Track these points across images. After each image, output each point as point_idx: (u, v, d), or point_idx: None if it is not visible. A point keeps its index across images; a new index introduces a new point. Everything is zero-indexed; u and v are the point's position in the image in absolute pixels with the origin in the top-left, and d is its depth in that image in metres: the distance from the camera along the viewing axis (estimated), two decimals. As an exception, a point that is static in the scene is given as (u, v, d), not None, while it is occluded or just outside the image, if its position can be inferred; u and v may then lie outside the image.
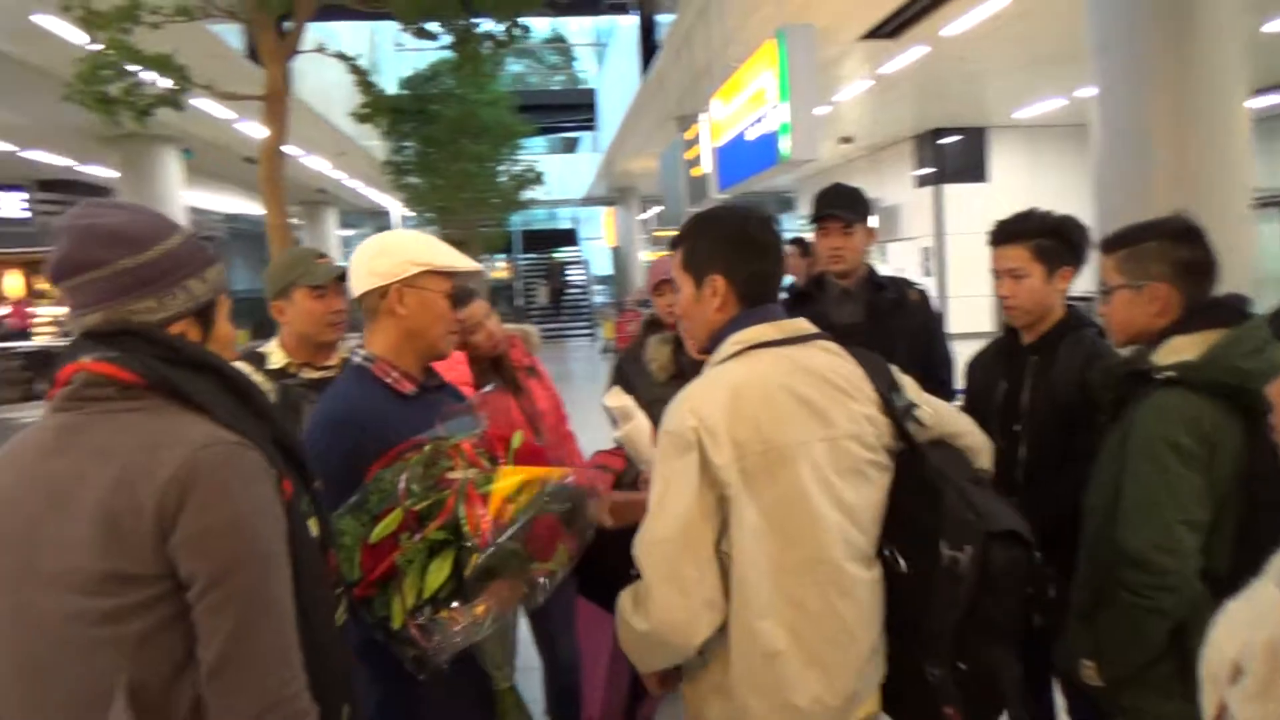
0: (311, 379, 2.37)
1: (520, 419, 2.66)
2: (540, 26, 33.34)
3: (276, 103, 5.60)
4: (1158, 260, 1.92)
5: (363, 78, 6.14)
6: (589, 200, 30.01)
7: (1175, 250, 1.91)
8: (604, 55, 25.58)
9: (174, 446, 1.15)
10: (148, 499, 1.11)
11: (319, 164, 18.37)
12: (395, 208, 23.27)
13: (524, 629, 2.84)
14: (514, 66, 35.19)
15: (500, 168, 16.58)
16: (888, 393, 1.65)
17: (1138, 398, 1.86)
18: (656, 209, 24.62)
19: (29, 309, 19.19)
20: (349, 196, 24.39)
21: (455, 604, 1.55)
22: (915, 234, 17.92)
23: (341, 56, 6.13)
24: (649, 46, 14.72)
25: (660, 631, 1.49)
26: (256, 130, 5.70)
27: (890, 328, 2.89)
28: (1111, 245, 1.99)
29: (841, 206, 2.98)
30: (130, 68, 4.91)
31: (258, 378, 2.35)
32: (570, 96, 31.08)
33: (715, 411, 1.50)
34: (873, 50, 10.91)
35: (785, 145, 6.71)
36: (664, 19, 13.78)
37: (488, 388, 2.09)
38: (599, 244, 30.45)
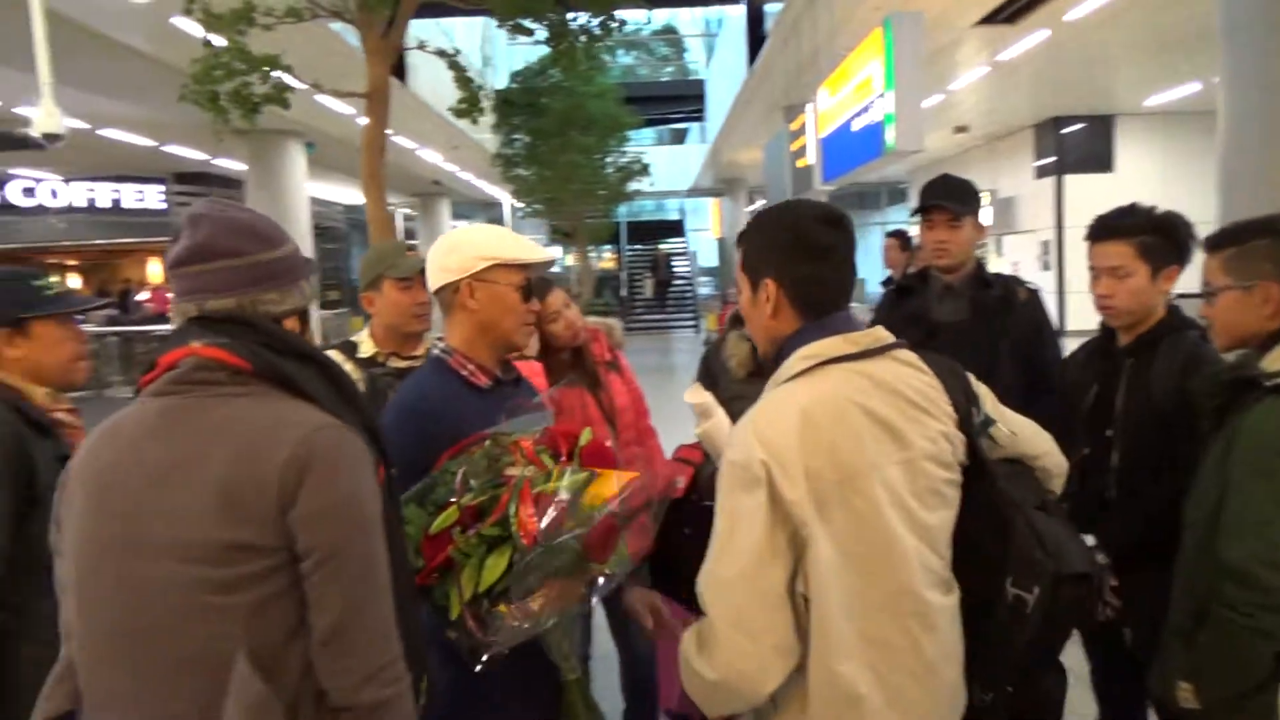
0: (398, 368, 2.45)
1: (596, 415, 2.67)
2: (651, 18, 33.46)
3: (379, 100, 5.76)
4: (1268, 259, 1.80)
5: (461, 74, 6.25)
6: (695, 191, 29.95)
7: None
8: (713, 46, 25.45)
9: (291, 428, 1.22)
10: (270, 474, 1.18)
11: (432, 156, 18.93)
12: (506, 199, 23.78)
13: (600, 616, 2.88)
14: (624, 58, 35.45)
15: (607, 159, 16.74)
16: (965, 407, 1.53)
17: (1244, 406, 1.75)
18: (763, 201, 24.40)
19: (168, 294, 20.40)
20: (462, 188, 25.02)
21: (512, 598, 1.57)
22: (1033, 227, 17.22)
23: (441, 53, 6.26)
24: (757, 37, 14.58)
25: (728, 680, 1.37)
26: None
27: (995, 327, 2.78)
28: (1218, 243, 1.88)
29: (948, 198, 2.85)
30: (239, 66, 5.16)
31: (348, 366, 2.45)
32: (679, 88, 31.13)
33: (785, 439, 1.37)
34: (990, 36, 10.52)
35: (890, 136, 6.55)
36: (772, 8, 13.61)
37: (561, 383, 2.11)
38: (705, 235, 30.38)
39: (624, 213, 26.39)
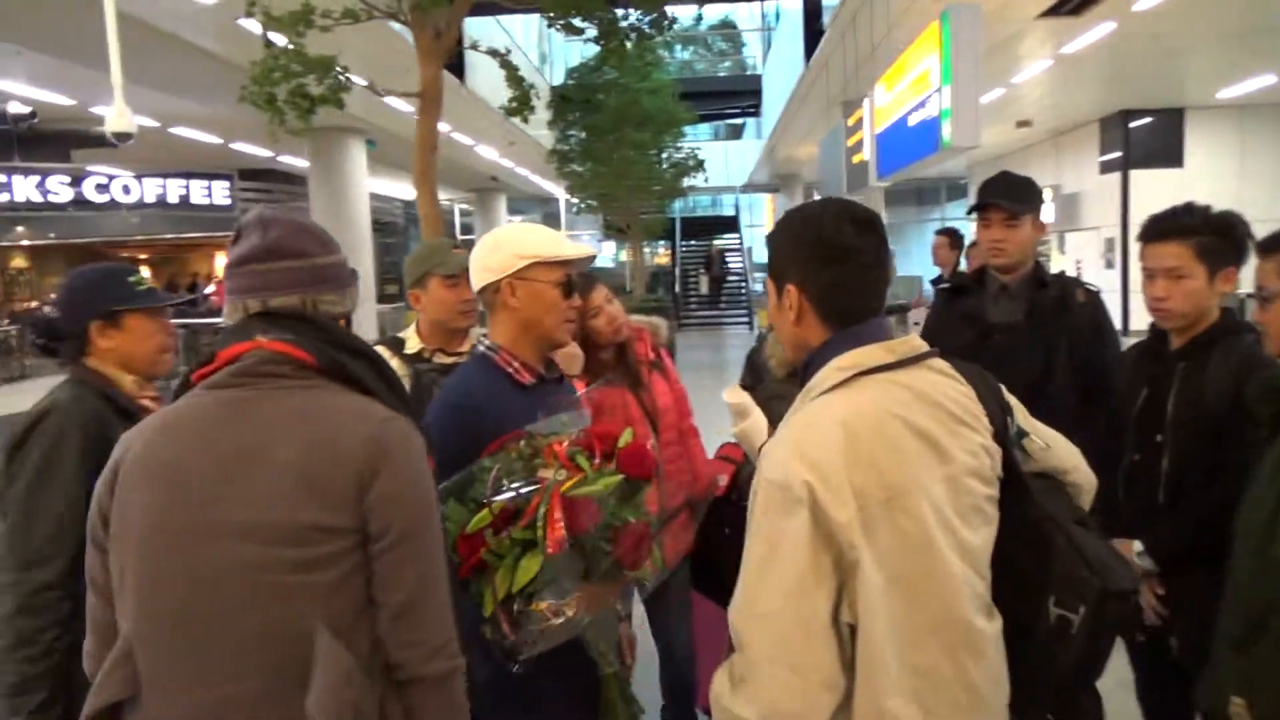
0: (444, 364, 2.50)
1: (637, 414, 2.66)
2: (703, 14, 33.35)
3: (431, 100, 5.81)
4: None
5: (512, 72, 6.30)
6: (750, 187, 29.77)
7: None
8: (770, 40, 25.25)
9: (362, 418, 1.31)
10: (349, 460, 1.26)
11: (489, 152, 19.12)
12: (561, 195, 23.93)
13: (641, 614, 2.88)
14: (681, 54, 35.36)
15: (662, 155, 16.73)
16: (1001, 418, 1.46)
17: (1301, 412, 1.70)
18: (817, 197, 24.12)
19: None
20: (519, 183, 25.24)
21: (545, 600, 1.59)
22: (1097, 223, 16.77)
23: (493, 53, 6.31)
24: (814, 31, 14.41)
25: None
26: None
27: (1051, 330, 2.72)
28: (1271, 247, 1.82)
29: (1005, 196, 2.78)
30: (296, 68, 5.27)
31: (395, 362, 2.51)
32: (736, 83, 30.91)
33: (829, 456, 1.28)
34: (1054, 28, 10.26)
35: (946, 131, 6.44)
36: (830, 2, 13.46)
37: (601, 382, 2.12)
38: (761, 231, 30.16)
39: (679, 208, 26.32)
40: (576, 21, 6.07)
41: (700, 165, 17.06)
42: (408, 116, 13.57)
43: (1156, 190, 14.80)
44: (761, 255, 29.96)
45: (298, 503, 1.23)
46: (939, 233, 6.87)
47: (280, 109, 5.43)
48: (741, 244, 29.08)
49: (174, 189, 18.60)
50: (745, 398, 2.10)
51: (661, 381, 2.85)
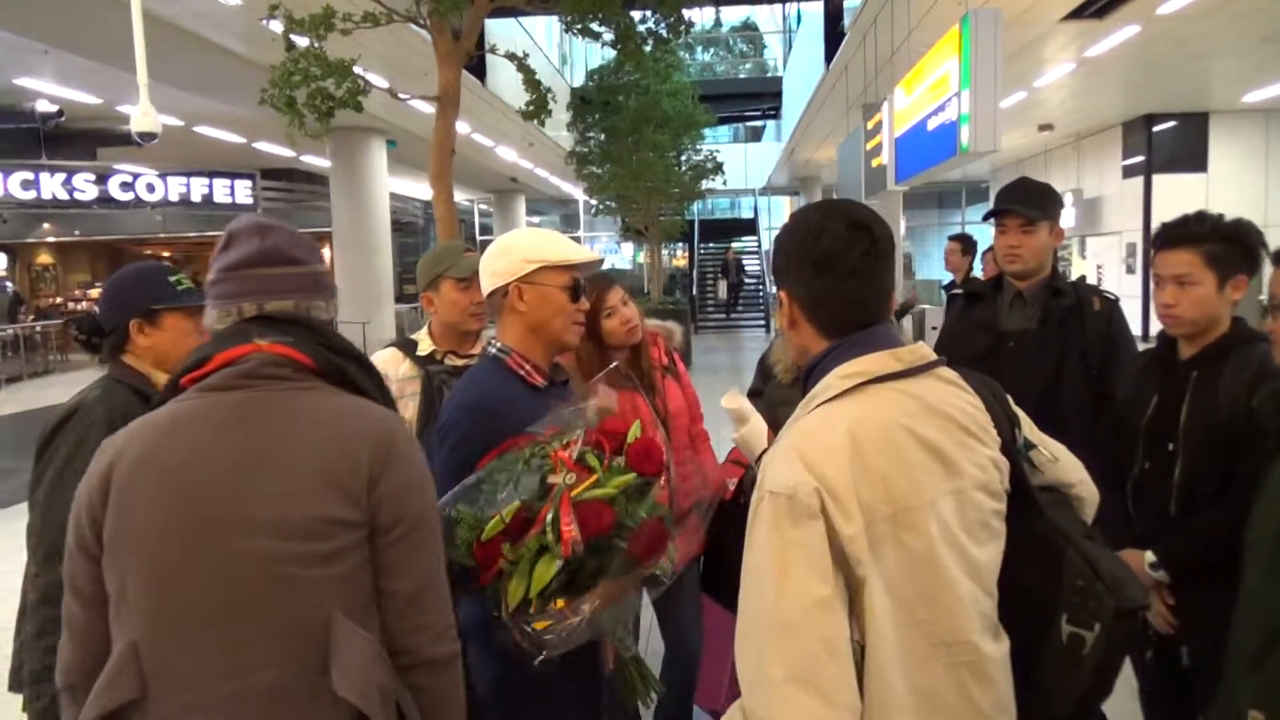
0: (455, 366, 2.52)
1: (648, 418, 2.65)
2: (721, 17, 33.32)
3: (448, 103, 5.82)
4: None
5: (529, 76, 6.31)
6: (769, 189, 29.71)
7: None
8: (791, 43, 25.20)
9: (368, 416, 1.36)
10: (361, 455, 1.30)
11: (509, 154, 19.18)
12: (580, 196, 23.98)
13: (649, 616, 2.89)
14: (702, 55, 35.35)
15: (681, 157, 16.71)
16: (1009, 430, 1.41)
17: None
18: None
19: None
20: (538, 185, 25.33)
21: (562, 600, 1.61)
22: (1119, 228, 16.63)
23: (511, 56, 6.33)
24: (835, 33, 14.38)
25: None
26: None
27: (1064, 337, 2.70)
28: None
29: (1022, 202, 2.76)
30: (315, 72, 5.31)
31: (406, 364, 2.53)
32: (757, 85, 30.85)
33: (836, 467, 1.21)
34: (1077, 31, 10.21)
35: (965, 136, 6.41)
36: (851, 4, 13.43)
37: (607, 370, 2.11)
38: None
39: (698, 210, 26.29)
40: (594, 26, 6.07)
41: (719, 167, 17.03)
42: (428, 117, 13.59)
43: (1179, 195, 14.69)
44: (780, 258, 29.86)
45: (317, 498, 1.26)
46: (951, 238, 6.85)
47: (300, 112, 5.48)
48: (759, 247, 29.03)
49: (197, 187, 18.80)
50: (743, 403, 2.10)
51: (674, 386, 2.84)
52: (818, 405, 1.32)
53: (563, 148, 17.27)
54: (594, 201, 17.85)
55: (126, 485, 1.27)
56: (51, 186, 17.34)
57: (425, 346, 2.58)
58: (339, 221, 15.68)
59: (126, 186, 18.18)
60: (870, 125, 10.87)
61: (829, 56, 14.07)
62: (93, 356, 2.16)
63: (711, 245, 28.75)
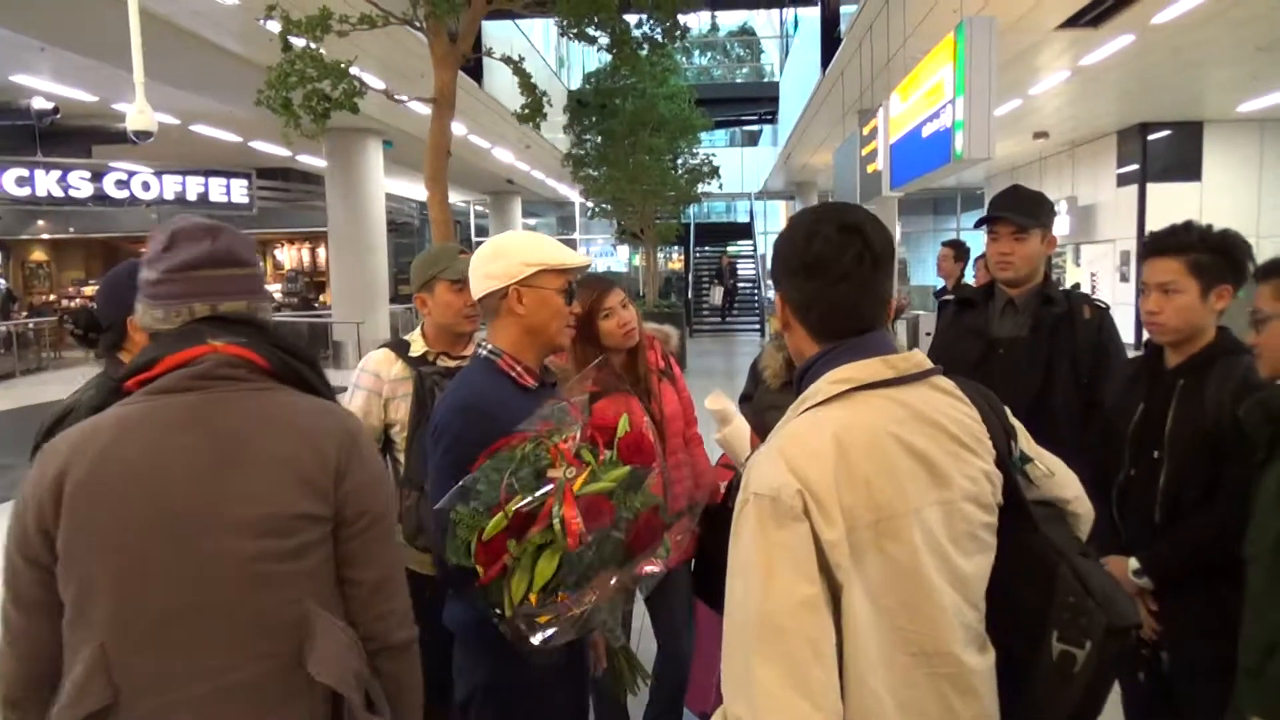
0: (447, 367, 2.53)
1: (642, 421, 2.66)
2: (717, 21, 33.36)
3: (444, 106, 5.82)
4: None
5: (525, 79, 6.31)
6: (765, 194, 29.73)
7: None
8: (788, 48, 25.25)
9: (324, 413, 1.40)
10: (328, 452, 1.34)
11: (505, 156, 19.18)
12: (576, 198, 23.98)
13: (641, 617, 2.90)
14: (699, 59, 35.41)
15: (677, 160, 16.73)
16: (1005, 442, 1.39)
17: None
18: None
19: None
20: (535, 187, 25.33)
21: (562, 594, 1.64)
22: (1113, 236, 16.70)
23: (506, 60, 6.33)
24: (832, 39, 14.42)
25: None
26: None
27: (1054, 345, 2.71)
28: (1269, 272, 1.83)
29: (1014, 210, 2.77)
30: (311, 73, 5.31)
31: (398, 365, 2.54)
32: (754, 89, 30.93)
33: (820, 471, 1.21)
34: (1072, 40, 10.24)
35: (959, 143, 6.45)
36: (847, 9, 13.47)
37: (595, 363, 2.13)
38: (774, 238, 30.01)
39: (694, 214, 26.31)
40: (589, 30, 6.07)
41: (715, 171, 17.06)
42: (425, 118, 13.62)
43: (1173, 203, 14.77)
44: (775, 262, 29.89)
45: (287, 495, 1.30)
46: (944, 244, 6.89)
47: (295, 113, 5.47)
48: (755, 251, 29.09)
49: (193, 186, 18.72)
50: (726, 404, 2.12)
51: (670, 390, 2.85)
52: (806, 409, 1.31)
53: (559, 150, 17.28)
54: (590, 204, 17.86)
55: (82, 491, 1.24)
56: (46, 184, 17.24)
57: (418, 348, 2.59)
58: (335, 222, 15.67)
59: (122, 184, 18.10)
60: (866, 131, 10.91)
61: (825, 62, 14.10)
62: (88, 352, 2.16)
63: (707, 249, 28.76)
